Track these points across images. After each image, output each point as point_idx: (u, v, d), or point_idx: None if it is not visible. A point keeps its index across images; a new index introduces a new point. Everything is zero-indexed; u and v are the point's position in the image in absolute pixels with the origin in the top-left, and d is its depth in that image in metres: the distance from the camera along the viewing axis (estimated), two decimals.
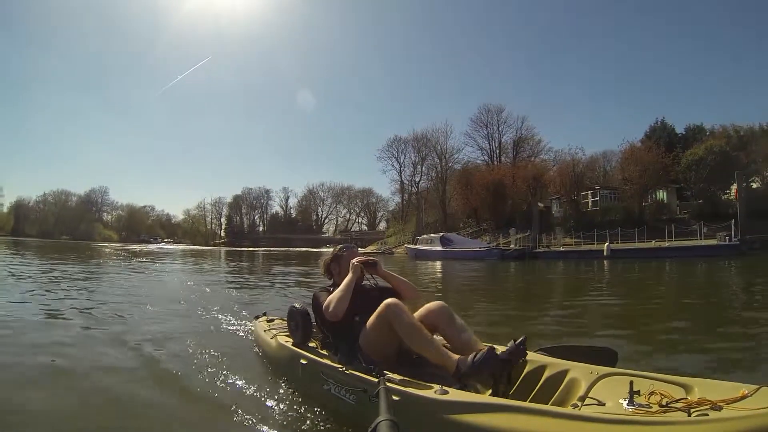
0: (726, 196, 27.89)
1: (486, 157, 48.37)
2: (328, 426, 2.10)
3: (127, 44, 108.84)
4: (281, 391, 2.58)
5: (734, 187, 24.98)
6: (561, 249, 26.65)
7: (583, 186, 34.43)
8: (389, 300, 2.20)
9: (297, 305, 2.76)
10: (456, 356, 1.98)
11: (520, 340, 1.99)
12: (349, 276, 2.47)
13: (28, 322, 4.58)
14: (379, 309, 2.21)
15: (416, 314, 2.31)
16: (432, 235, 35.19)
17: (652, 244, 23.27)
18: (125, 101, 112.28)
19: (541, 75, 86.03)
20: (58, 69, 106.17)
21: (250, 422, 2.20)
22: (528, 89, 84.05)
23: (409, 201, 58.44)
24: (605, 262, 20.15)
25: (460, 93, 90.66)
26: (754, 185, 29.51)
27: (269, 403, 2.46)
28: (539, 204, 35.97)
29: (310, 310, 2.65)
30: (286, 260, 25.38)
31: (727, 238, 20.59)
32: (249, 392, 2.59)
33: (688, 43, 74.95)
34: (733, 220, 21.55)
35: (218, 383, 2.72)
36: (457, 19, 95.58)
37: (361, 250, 3.12)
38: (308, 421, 2.20)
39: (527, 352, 2.01)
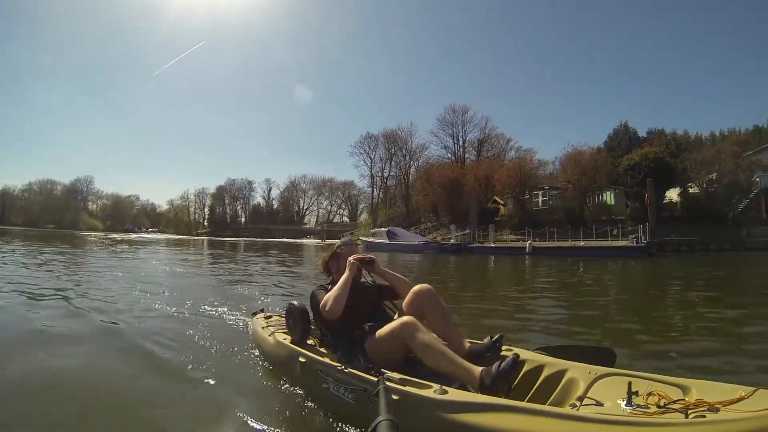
0: (665, 199, 28.29)
1: (450, 155, 47.44)
2: (327, 425, 1.91)
3: (118, 35, 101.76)
4: (279, 390, 2.36)
5: (672, 194, 25.11)
6: (492, 245, 27.20)
7: (530, 186, 34.57)
8: (406, 319, 2.00)
9: (295, 303, 2.53)
10: (477, 368, 1.79)
11: (496, 337, 2.00)
12: (346, 274, 2.26)
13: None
14: (394, 327, 2.00)
15: (405, 299, 2.23)
16: (382, 228, 35.51)
17: (569, 242, 23.93)
18: (112, 91, 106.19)
19: (522, 79, 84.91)
20: (45, 59, 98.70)
21: (248, 421, 1.98)
22: (516, 93, 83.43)
23: (379, 196, 58.03)
24: (526, 257, 20.60)
25: (449, 90, 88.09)
26: (692, 190, 29.63)
27: (267, 401, 2.24)
28: (497, 199, 36.51)
29: (309, 308, 2.44)
30: (266, 249, 24.72)
31: (635, 240, 21.24)
32: (246, 390, 2.35)
33: (661, 48, 75.92)
34: (641, 225, 22.15)
35: (214, 380, 2.47)
36: (453, 20, 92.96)
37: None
38: (306, 420, 2.01)
39: (526, 351, 1.91)
